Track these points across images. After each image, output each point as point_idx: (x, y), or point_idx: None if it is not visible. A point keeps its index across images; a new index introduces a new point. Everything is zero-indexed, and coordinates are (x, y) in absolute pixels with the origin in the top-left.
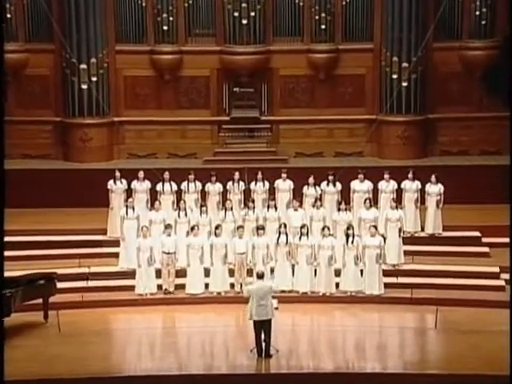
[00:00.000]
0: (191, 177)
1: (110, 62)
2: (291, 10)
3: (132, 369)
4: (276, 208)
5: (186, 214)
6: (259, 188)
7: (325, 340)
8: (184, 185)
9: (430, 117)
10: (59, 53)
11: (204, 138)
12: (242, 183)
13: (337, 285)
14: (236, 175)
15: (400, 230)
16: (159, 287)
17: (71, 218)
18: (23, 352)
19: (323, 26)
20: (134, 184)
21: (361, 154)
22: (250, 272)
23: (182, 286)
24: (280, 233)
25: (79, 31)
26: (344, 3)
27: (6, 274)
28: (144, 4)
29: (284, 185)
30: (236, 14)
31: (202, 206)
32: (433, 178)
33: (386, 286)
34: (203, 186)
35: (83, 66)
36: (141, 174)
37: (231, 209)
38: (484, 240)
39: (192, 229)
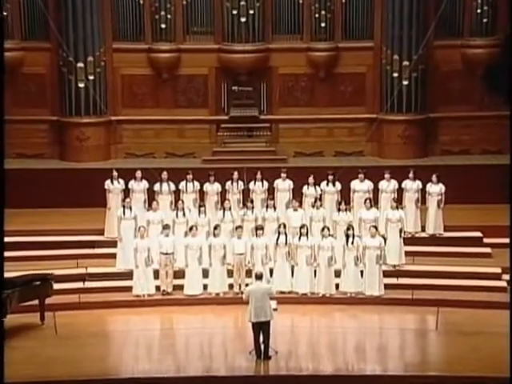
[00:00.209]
0: (189, 176)
1: (107, 60)
2: (291, 8)
3: (129, 371)
4: (275, 208)
5: (184, 214)
6: (258, 188)
7: (324, 341)
8: (182, 185)
9: (430, 116)
10: (56, 51)
11: (202, 137)
12: (240, 183)
13: (337, 286)
14: (235, 175)
15: (401, 231)
16: (157, 288)
17: (68, 218)
18: (19, 354)
19: (323, 24)
20: (132, 184)
21: (361, 154)
22: (248, 273)
23: (180, 287)
24: (279, 233)
25: (76, 29)
26: (344, 1)
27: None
28: (142, 2)
29: (283, 184)
30: (235, 11)
31: (200, 206)
32: (434, 177)
33: (387, 287)
34: (201, 185)
35: (80, 65)
36: (138, 174)
37: (230, 209)
38: (485, 240)
39: (190, 229)
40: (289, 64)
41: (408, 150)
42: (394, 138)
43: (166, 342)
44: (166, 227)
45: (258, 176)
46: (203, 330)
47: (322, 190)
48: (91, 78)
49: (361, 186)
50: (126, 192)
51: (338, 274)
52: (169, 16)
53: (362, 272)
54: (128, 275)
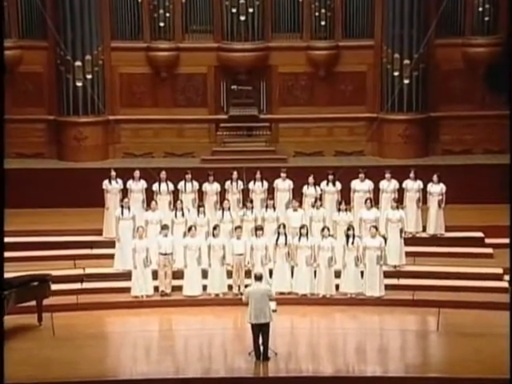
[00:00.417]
0: (188, 176)
1: (105, 59)
2: (290, 6)
3: (128, 372)
4: (275, 208)
5: (182, 215)
6: (258, 188)
7: (324, 343)
8: (181, 184)
9: (431, 115)
10: (53, 50)
11: (201, 136)
12: (240, 183)
13: (337, 286)
14: (234, 174)
15: (401, 231)
16: (156, 289)
17: (66, 218)
18: (16, 355)
19: (323, 23)
20: (130, 184)
21: (361, 153)
22: (248, 273)
23: (179, 288)
24: (279, 233)
25: (74, 27)
26: None
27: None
28: (140, 0)
29: (283, 184)
30: (234, 10)
31: (199, 206)
32: (435, 177)
33: (387, 287)
34: (200, 185)
35: (78, 63)
36: (136, 174)
37: (229, 209)
38: (487, 241)
39: (189, 229)
40: (288, 63)
41: (409, 150)
42: (395, 137)
43: (165, 343)
44: (164, 227)
45: (258, 176)
46: (202, 331)
47: (322, 190)
48: (89, 76)
49: (361, 186)
50: (125, 192)
51: (338, 274)
52: (167, 14)
53: (362, 273)
54: (126, 276)
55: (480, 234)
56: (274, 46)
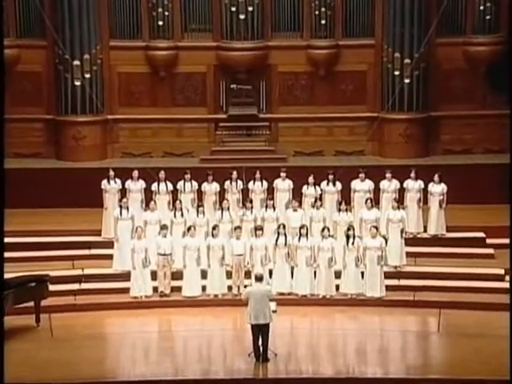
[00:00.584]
0: (187, 176)
1: (103, 58)
2: (290, 5)
3: (126, 374)
4: (274, 208)
5: (182, 215)
6: (257, 188)
7: (324, 344)
8: (180, 184)
9: (432, 114)
10: (51, 49)
11: (200, 136)
12: (239, 182)
13: (337, 287)
14: (234, 174)
15: (402, 231)
16: (155, 290)
17: (64, 218)
18: (14, 356)
19: (323, 21)
20: (128, 183)
21: (362, 153)
22: (248, 274)
23: (178, 289)
24: (279, 234)
25: (72, 26)
26: None
27: None
28: None
29: (283, 184)
30: (233, 8)
31: (198, 206)
32: (436, 177)
33: (388, 288)
34: (200, 185)
35: (76, 63)
36: (135, 174)
37: (228, 209)
38: (488, 241)
39: (188, 229)
40: (288, 62)
41: (409, 150)
42: (396, 137)
43: (164, 344)
44: (163, 228)
45: (257, 176)
46: (201, 332)
47: (322, 190)
48: (87, 76)
49: (361, 186)
50: (123, 192)
51: (338, 275)
52: (166, 13)
53: (362, 273)
54: (125, 276)
55: (481, 235)
56: (273, 45)
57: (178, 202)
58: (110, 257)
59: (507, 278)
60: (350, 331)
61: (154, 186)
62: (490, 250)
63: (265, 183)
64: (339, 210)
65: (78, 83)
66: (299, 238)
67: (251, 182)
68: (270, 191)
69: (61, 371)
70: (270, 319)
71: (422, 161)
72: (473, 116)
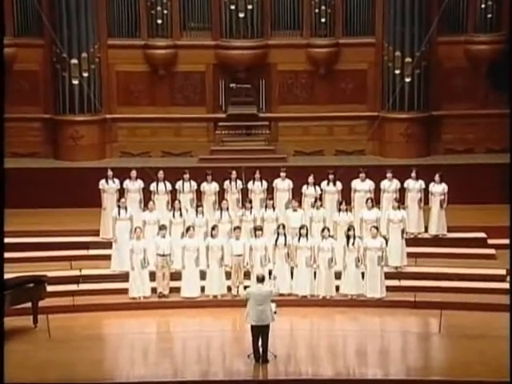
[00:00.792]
0: (186, 176)
1: (101, 56)
2: (290, 3)
3: (125, 375)
4: (274, 208)
5: (180, 215)
6: (257, 187)
7: (324, 345)
8: (179, 184)
9: (433, 114)
10: (49, 47)
11: (199, 135)
12: (239, 182)
13: (337, 288)
14: (233, 174)
15: (403, 231)
16: (153, 290)
17: (62, 218)
18: (12, 358)
19: (323, 20)
20: (127, 183)
21: (362, 153)
22: (247, 274)
23: (177, 289)
24: (278, 234)
25: (70, 25)
26: None
27: None
28: None
29: (283, 184)
30: (233, 6)
31: (197, 206)
32: (437, 177)
33: (388, 289)
34: (199, 185)
35: (74, 61)
36: (133, 173)
37: (227, 209)
38: (490, 241)
39: (187, 230)
40: (288, 60)
41: (410, 149)
42: (396, 136)
43: (163, 345)
44: (162, 228)
45: (257, 175)
46: (201, 333)
47: (322, 190)
48: (85, 74)
49: (362, 186)
50: (121, 192)
51: (338, 275)
52: (165, 11)
53: (363, 274)
54: (123, 277)
55: (482, 235)
56: (273, 44)
57: (176, 202)
58: (109, 257)
59: (509, 278)
60: (350, 332)
61: (153, 186)
62: (492, 251)
63: (264, 183)
64: (339, 210)
65: (75, 82)
66: (299, 239)
67: (251, 182)
68: (270, 191)
69: (59, 372)
70: (272, 319)
71: (423, 160)
72: (474, 115)
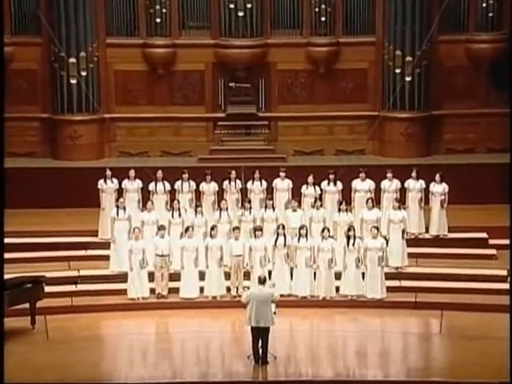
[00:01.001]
0: (185, 176)
1: (100, 55)
2: (290, 2)
3: (123, 376)
4: (274, 208)
5: (179, 215)
6: (256, 187)
7: (324, 346)
8: (178, 184)
9: (434, 113)
10: (47, 46)
11: (199, 135)
12: (238, 182)
13: (337, 288)
14: (232, 174)
15: (403, 232)
16: (152, 291)
17: (60, 218)
18: (10, 359)
19: (323, 19)
20: (125, 183)
21: (362, 152)
22: (246, 275)
23: (175, 290)
24: (278, 234)
25: (68, 23)
26: None
27: None
28: None
29: (282, 184)
30: (232, 5)
31: (196, 207)
32: (437, 177)
33: (389, 289)
34: (198, 185)
35: (72, 60)
36: (131, 173)
37: (227, 209)
38: (491, 242)
39: (186, 230)
40: (288, 60)
41: (411, 149)
42: (397, 136)
43: (162, 346)
44: (161, 228)
45: (256, 175)
46: (200, 334)
47: (322, 190)
48: (84, 73)
49: (362, 186)
50: (120, 192)
51: (338, 276)
52: (164, 10)
53: (363, 274)
54: (122, 278)
55: (484, 235)
56: (272, 43)
57: (175, 202)
58: (107, 258)
59: (510, 278)
60: (350, 333)
61: (152, 186)
62: (493, 251)
63: (264, 183)
64: (339, 210)
65: (73, 81)
66: (299, 239)
67: (250, 182)
68: (270, 191)
69: (57, 374)
70: (272, 322)
71: (424, 160)
72: (475, 114)
